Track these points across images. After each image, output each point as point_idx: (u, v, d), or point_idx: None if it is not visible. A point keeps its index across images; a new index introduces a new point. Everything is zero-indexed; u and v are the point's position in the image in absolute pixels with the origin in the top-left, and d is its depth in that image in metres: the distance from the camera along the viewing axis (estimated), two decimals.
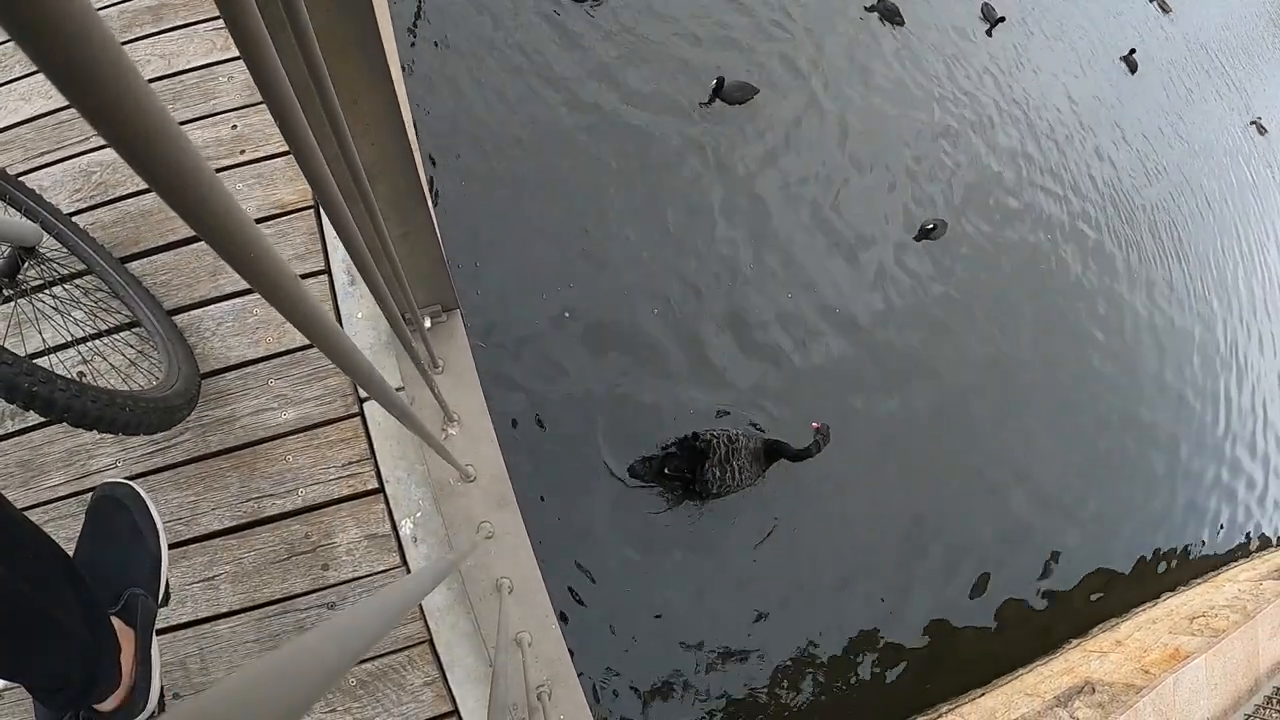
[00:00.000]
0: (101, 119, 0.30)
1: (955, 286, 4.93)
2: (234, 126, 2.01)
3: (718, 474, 3.31)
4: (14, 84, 2.31)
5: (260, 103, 1.26)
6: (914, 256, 4.92)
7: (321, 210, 1.29)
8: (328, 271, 1.85)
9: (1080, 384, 5.13)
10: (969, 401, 4.50)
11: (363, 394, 1.80)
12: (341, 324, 1.79)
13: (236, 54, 2.01)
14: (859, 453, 4.00)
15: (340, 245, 1.60)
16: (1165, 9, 10.63)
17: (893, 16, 6.10)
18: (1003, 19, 6.52)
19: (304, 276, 1.83)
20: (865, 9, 6.10)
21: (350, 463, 1.77)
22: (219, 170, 1.96)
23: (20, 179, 1.90)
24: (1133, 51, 8.74)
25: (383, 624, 0.81)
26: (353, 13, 1.20)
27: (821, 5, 5.98)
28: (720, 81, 4.86)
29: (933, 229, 4.92)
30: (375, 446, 1.75)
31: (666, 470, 3.42)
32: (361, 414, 1.78)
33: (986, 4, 6.72)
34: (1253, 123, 10.00)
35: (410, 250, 1.55)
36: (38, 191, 1.89)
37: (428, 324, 1.70)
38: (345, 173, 1.13)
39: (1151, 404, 5.38)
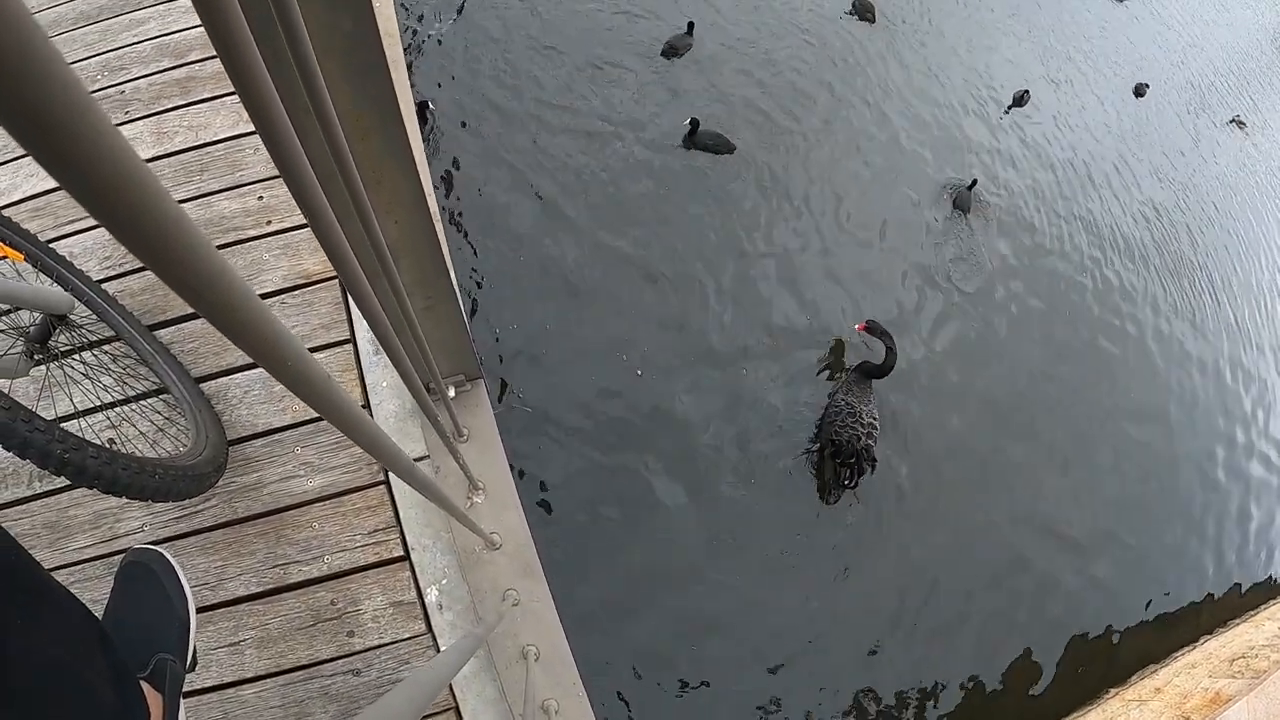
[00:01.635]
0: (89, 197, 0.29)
1: (981, 321, 5.00)
2: (260, 197, 2.08)
3: (861, 435, 3.93)
4: None
5: None
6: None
7: None
8: (352, 341, 1.90)
9: (1106, 419, 5.10)
10: (989, 441, 4.49)
11: None
12: (367, 393, 1.83)
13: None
14: (879, 501, 4.02)
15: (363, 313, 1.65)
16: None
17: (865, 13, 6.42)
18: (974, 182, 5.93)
19: (329, 346, 1.88)
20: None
21: (376, 530, 1.80)
22: (245, 240, 2.03)
23: (51, 245, 1.97)
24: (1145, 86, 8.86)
25: (414, 711, 0.83)
26: (374, 98, 1.25)
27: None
28: (694, 123, 5.12)
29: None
30: (401, 514, 1.78)
31: (839, 466, 3.94)
32: (387, 482, 1.81)
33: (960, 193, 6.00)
34: (1232, 120, 9.96)
35: (434, 322, 1.60)
36: (68, 258, 1.95)
37: (452, 393, 1.74)
38: (369, 249, 1.18)
39: (1182, 439, 5.33)
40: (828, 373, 4.53)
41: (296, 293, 1.93)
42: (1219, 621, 4.68)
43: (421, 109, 4.74)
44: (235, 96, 2.35)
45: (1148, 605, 4.42)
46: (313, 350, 1.88)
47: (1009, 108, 7.25)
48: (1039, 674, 3.89)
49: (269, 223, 2.05)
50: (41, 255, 1.87)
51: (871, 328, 4.39)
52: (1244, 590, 4.87)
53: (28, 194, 2.32)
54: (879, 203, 5.50)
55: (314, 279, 1.97)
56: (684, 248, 4.70)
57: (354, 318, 1.91)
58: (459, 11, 5.78)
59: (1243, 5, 13.85)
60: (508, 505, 1.73)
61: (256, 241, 2.02)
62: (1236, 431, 5.63)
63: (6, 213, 2.14)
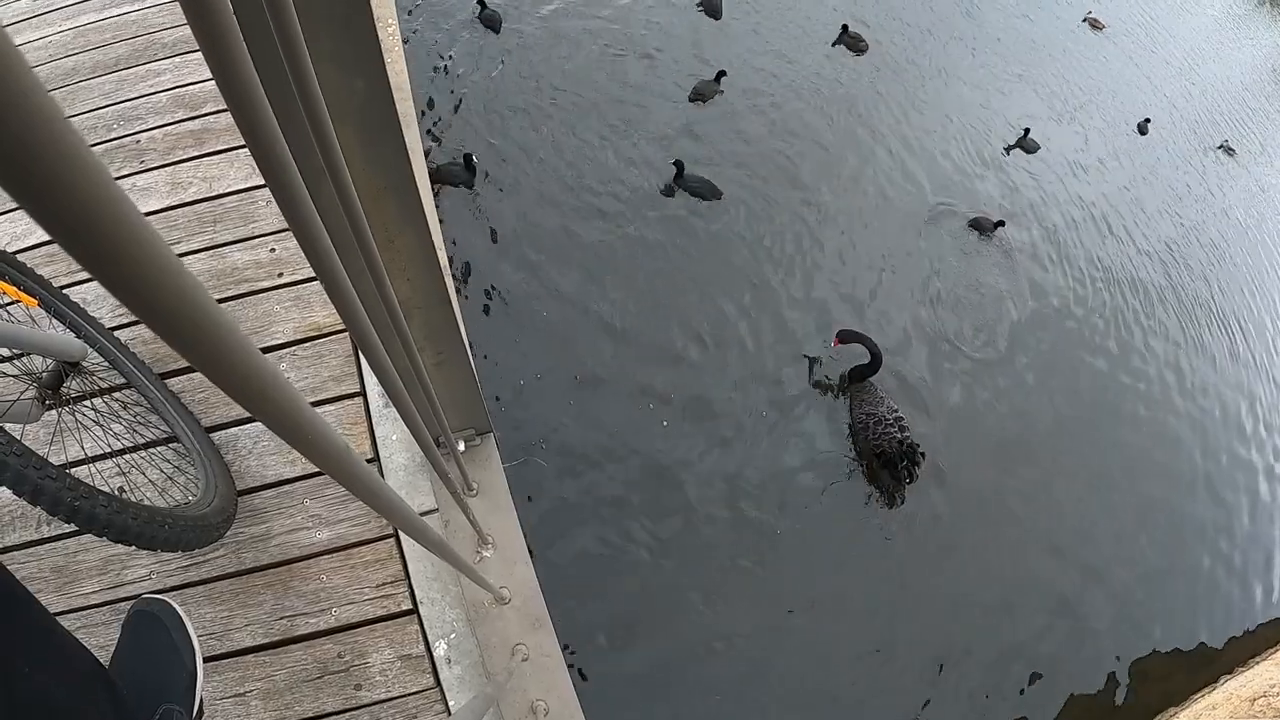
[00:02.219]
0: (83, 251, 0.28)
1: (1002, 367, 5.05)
2: (272, 250, 2.11)
3: (896, 435, 4.16)
4: None
5: None
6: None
7: None
8: (363, 394, 1.91)
9: (1116, 451, 5.09)
10: (1006, 479, 4.47)
11: None
12: (376, 446, 1.84)
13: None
14: (900, 544, 4.00)
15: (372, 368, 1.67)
16: (1097, 26, 10.78)
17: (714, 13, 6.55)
18: (1001, 223, 5.96)
19: (339, 399, 1.89)
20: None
21: (384, 583, 1.80)
22: (257, 292, 2.06)
23: (64, 291, 1.99)
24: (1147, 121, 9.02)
25: None
26: (387, 159, 1.27)
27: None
28: (680, 166, 5.29)
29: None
30: (410, 567, 1.79)
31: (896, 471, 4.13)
32: (396, 535, 1.82)
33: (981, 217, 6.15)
34: (1220, 145, 10.05)
35: (444, 377, 1.61)
36: (81, 305, 1.97)
37: (461, 447, 1.74)
38: (380, 305, 1.19)
39: (1202, 473, 5.29)
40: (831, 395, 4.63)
41: (307, 345, 1.96)
42: (1239, 660, 4.62)
43: (466, 161, 4.91)
44: (247, 150, 2.38)
45: (1168, 645, 4.37)
46: (322, 403, 1.89)
47: (1010, 148, 7.36)
48: (1055, 715, 3.83)
49: (280, 275, 2.07)
50: (55, 301, 1.89)
51: (844, 336, 4.55)
52: (1264, 627, 4.80)
53: (42, 239, 2.36)
54: (903, 246, 5.63)
55: (325, 332, 1.99)
56: (707, 296, 4.83)
57: (364, 371, 1.93)
58: (500, 63, 5.99)
59: (1240, 41, 13.97)
60: (517, 559, 1.73)
61: (268, 293, 2.04)
62: (1254, 456, 5.61)
63: (21, 257, 2.18)
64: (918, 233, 5.77)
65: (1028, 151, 7.42)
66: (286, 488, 1.91)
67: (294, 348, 1.96)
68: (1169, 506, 4.95)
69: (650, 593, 3.47)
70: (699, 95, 6.23)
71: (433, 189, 4.83)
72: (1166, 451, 5.30)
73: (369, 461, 1.82)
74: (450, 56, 5.95)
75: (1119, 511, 4.73)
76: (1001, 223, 5.82)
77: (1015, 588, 4.10)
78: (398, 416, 1.88)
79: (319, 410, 1.85)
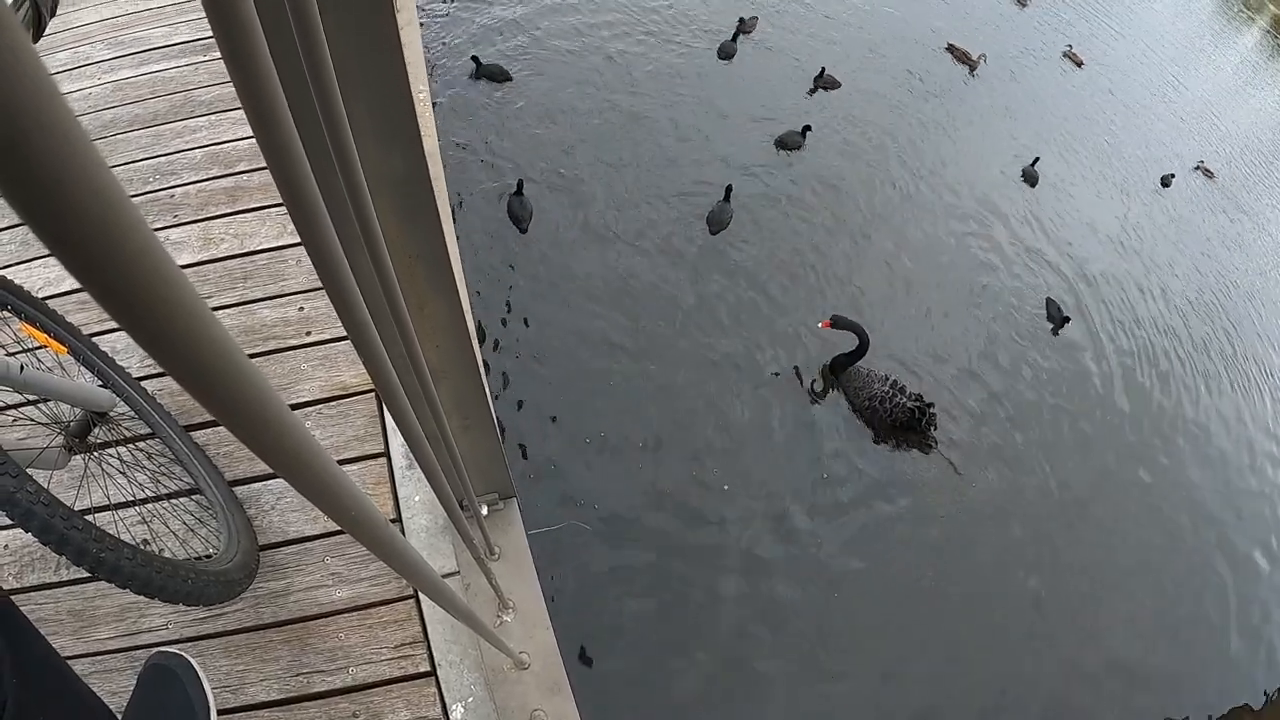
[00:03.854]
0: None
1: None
2: (301, 308, 2.15)
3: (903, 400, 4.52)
4: None
5: None
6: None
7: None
8: (387, 455, 1.93)
9: (1157, 513, 5.05)
10: (1029, 548, 4.43)
11: None
12: (399, 507, 1.86)
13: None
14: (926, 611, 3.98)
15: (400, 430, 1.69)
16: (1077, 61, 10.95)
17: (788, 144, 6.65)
18: (1068, 319, 5.99)
19: (363, 459, 1.92)
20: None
21: (403, 644, 1.80)
22: (284, 350, 2.09)
23: (94, 339, 2.03)
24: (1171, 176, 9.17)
25: None
26: (422, 229, 1.31)
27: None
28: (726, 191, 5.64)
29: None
30: (429, 629, 1.79)
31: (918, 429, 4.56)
32: (416, 596, 1.82)
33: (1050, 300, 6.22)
34: (1197, 166, 10.11)
35: (469, 442, 1.63)
36: (110, 354, 2.00)
37: (484, 511, 1.76)
38: (409, 369, 1.22)
39: (1234, 535, 5.22)
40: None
41: (333, 404, 1.99)
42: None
43: (519, 187, 5.19)
44: (280, 208, 2.45)
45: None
46: (346, 462, 1.91)
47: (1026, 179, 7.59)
48: None
49: (308, 334, 2.11)
50: (84, 349, 1.93)
51: (837, 321, 4.78)
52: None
53: (75, 286, 2.39)
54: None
55: (350, 391, 2.02)
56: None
57: (389, 431, 1.95)
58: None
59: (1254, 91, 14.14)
60: (538, 625, 1.73)
61: (295, 351, 2.08)
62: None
63: (51, 304, 2.22)
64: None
65: (1030, 183, 7.62)
66: (308, 545, 1.92)
67: (319, 406, 1.99)
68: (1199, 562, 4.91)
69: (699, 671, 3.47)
70: (784, 145, 6.62)
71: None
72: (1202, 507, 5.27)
73: (391, 523, 1.84)
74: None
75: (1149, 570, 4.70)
76: (1068, 319, 5.89)
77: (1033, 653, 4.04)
78: (421, 478, 1.91)
79: (343, 469, 1.87)
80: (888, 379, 4.68)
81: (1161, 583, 4.63)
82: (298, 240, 2.32)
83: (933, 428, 4.61)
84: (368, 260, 1.00)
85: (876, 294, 5.65)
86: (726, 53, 7.74)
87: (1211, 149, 10.82)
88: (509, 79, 6.55)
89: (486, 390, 1.52)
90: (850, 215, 6.27)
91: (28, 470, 1.32)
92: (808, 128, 6.66)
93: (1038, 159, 7.68)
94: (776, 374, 4.78)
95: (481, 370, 1.53)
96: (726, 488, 4.05)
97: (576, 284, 4.97)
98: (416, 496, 1.88)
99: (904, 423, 4.54)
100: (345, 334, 1.23)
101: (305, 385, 2.02)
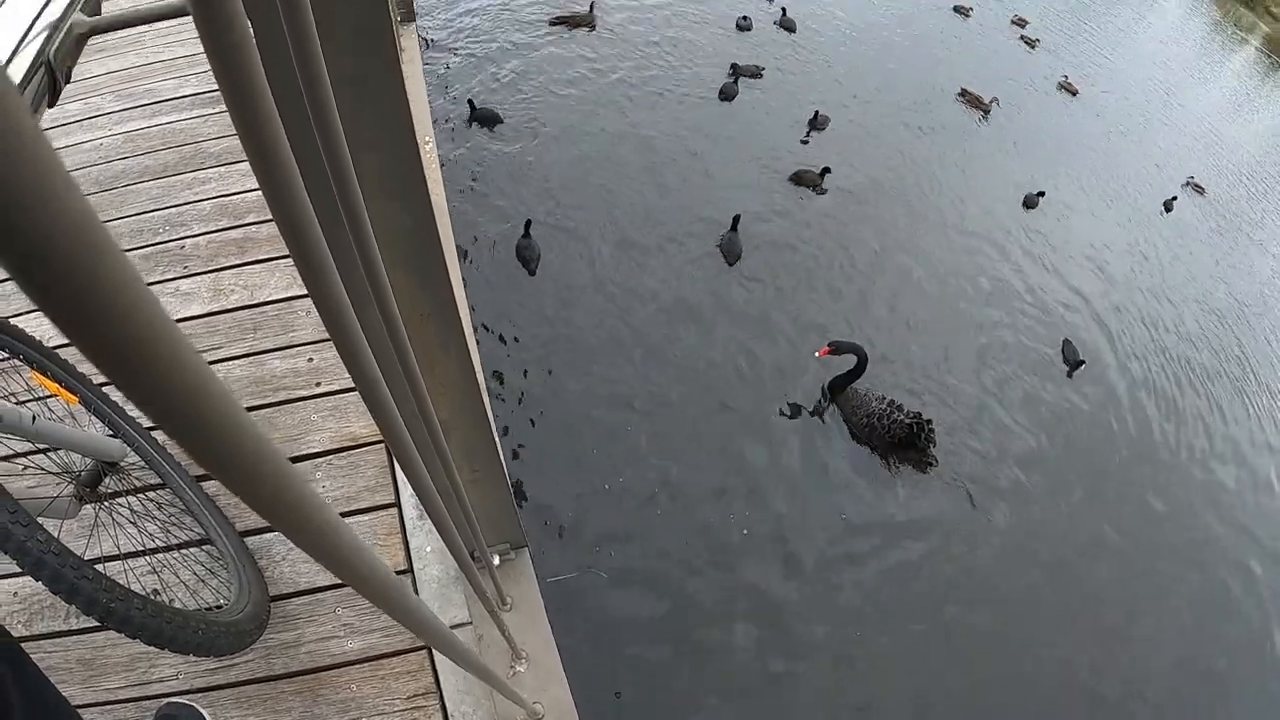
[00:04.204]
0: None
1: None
2: (310, 359, 2.17)
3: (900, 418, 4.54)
4: None
5: None
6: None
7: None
8: (397, 505, 1.94)
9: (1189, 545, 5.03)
10: (1050, 584, 4.41)
11: None
12: (410, 557, 1.87)
13: None
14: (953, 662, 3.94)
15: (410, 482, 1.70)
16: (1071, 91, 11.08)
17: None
18: (1083, 362, 5.97)
19: (373, 509, 1.93)
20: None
21: (415, 695, 1.80)
22: (294, 400, 2.11)
23: (104, 389, 2.04)
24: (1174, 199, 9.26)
25: None
26: (432, 288, 1.33)
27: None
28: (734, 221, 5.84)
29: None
30: (441, 680, 1.79)
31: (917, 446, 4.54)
32: (428, 647, 1.82)
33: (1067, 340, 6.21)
34: (1187, 182, 10.18)
35: (480, 493, 1.65)
36: (120, 404, 2.02)
37: (496, 561, 1.77)
38: (419, 423, 1.23)
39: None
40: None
41: (343, 455, 2.00)
42: None
43: (526, 229, 5.30)
44: (289, 259, 2.48)
45: None
46: (356, 513, 1.92)
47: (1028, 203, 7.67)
48: None
49: (318, 385, 2.13)
50: (95, 399, 1.94)
51: (837, 347, 4.81)
52: None
53: None
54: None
55: (360, 442, 2.03)
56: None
57: (399, 482, 1.97)
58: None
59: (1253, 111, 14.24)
60: (551, 676, 1.73)
61: (305, 402, 2.10)
62: None
63: (63, 354, 2.24)
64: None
65: (1028, 207, 7.76)
66: (319, 595, 1.93)
67: (329, 457, 2.00)
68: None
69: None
70: (800, 182, 6.75)
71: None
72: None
73: (402, 573, 1.85)
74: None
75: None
76: (1083, 362, 5.89)
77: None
78: (432, 529, 1.91)
79: (352, 520, 1.88)
80: (884, 398, 4.71)
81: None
82: (307, 291, 2.35)
83: (931, 444, 4.59)
84: (377, 315, 1.02)
85: (890, 328, 5.69)
86: (727, 94, 7.86)
87: (1211, 170, 10.90)
88: (500, 122, 6.69)
89: (497, 443, 1.54)
90: (862, 254, 6.33)
91: (38, 519, 1.33)
92: (826, 169, 6.77)
93: (1042, 193, 7.76)
94: (787, 414, 4.78)
95: (492, 424, 1.55)
96: (745, 531, 4.04)
97: (585, 326, 5.01)
98: (428, 547, 1.89)
99: (902, 439, 4.53)
100: (355, 385, 1.26)
101: (315, 436, 2.04)
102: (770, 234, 6.22)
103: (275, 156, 0.50)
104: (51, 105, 1.22)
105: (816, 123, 7.64)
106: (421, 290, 1.31)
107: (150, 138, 3.12)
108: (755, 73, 8.31)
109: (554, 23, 8.47)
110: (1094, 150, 9.70)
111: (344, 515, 1.92)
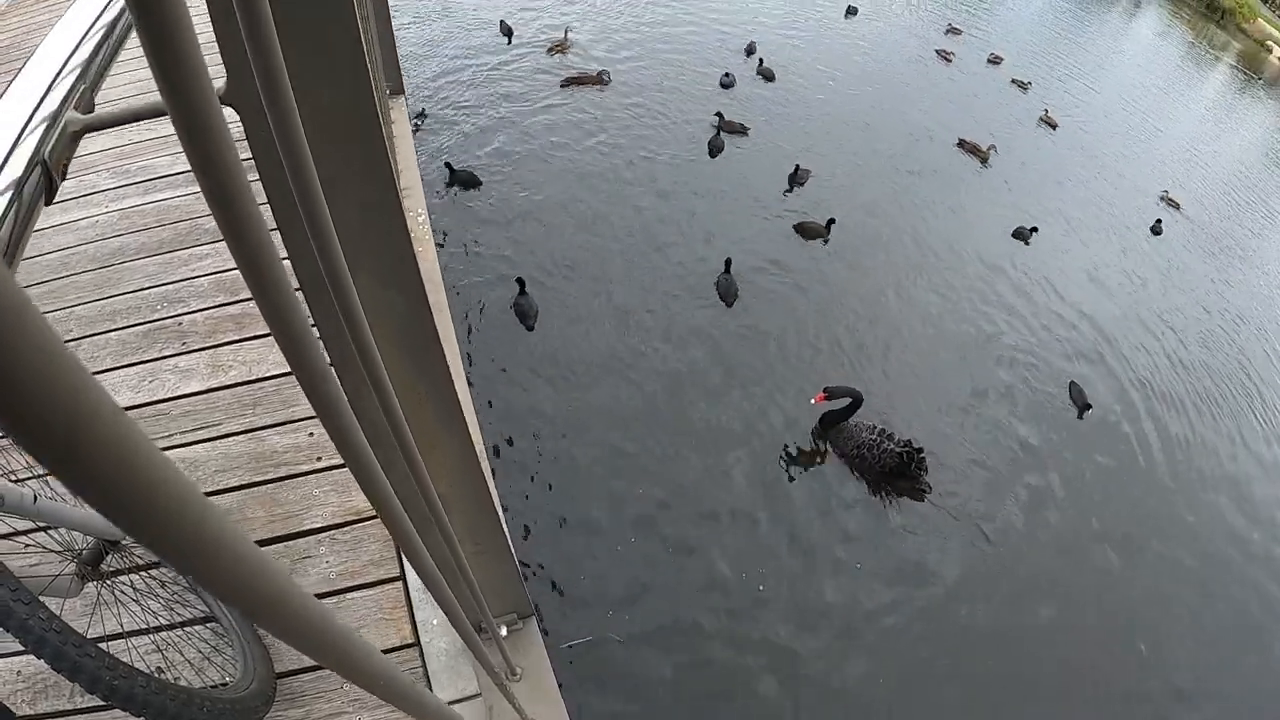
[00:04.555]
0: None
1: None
2: (311, 434, 2.19)
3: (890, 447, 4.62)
4: (105, 375, 2.54)
5: None
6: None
7: None
8: (403, 578, 1.95)
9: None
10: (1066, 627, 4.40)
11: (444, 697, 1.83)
12: (417, 630, 1.86)
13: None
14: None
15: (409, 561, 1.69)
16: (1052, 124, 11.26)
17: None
18: (1090, 406, 5.96)
19: (378, 583, 1.93)
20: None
21: None
22: (296, 476, 2.12)
23: None
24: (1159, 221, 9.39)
25: None
26: (427, 370, 1.35)
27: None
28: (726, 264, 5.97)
29: None
30: None
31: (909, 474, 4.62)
32: None
33: (1073, 383, 6.20)
34: (1162, 196, 10.31)
35: (484, 566, 1.65)
36: None
37: (504, 632, 1.76)
38: (421, 503, 1.24)
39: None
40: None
41: (346, 529, 2.01)
42: None
43: (522, 287, 5.39)
44: (287, 363, 2.49)
45: None
46: (361, 587, 1.92)
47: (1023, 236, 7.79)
48: None
49: (319, 459, 2.14)
50: None
51: (832, 393, 4.88)
52: None
53: None
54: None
55: (364, 515, 2.04)
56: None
57: (404, 555, 1.96)
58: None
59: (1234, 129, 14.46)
60: None
61: (307, 477, 2.11)
62: None
63: None
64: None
65: (1023, 240, 7.87)
66: (325, 671, 1.91)
67: (332, 532, 2.01)
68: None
69: None
70: (805, 233, 6.94)
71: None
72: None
73: (409, 646, 1.84)
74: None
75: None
76: (1090, 406, 5.92)
77: None
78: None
79: (357, 595, 1.88)
80: (874, 428, 4.77)
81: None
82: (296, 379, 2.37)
83: (923, 471, 4.65)
84: (373, 397, 1.04)
85: (888, 373, 5.76)
86: (715, 147, 8.06)
87: (1198, 189, 11.05)
88: (479, 184, 6.84)
89: (499, 515, 1.55)
90: (861, 301, 6.43)
91: (40, 597, 1.34)
92: (832, 220, 6.93)
93: (1035, 228, 7.90)
94: (790, 469, 4.79)
95: (494, 496, 1.56)
96: (761, 589, 4.03)
97: (588, 385, 5.06)
98: (434, 620, 1.88)
99: (893, 468, 4.59)
100: (347, 465, 1.27)
101: (318, 511, 2.04)
102: (769, 284, 6.32)
103: (258, 247, 0.52)
104: (48, 203, 1.25)
105: (797, 177, 7.77)
106: (418, 373, 1.33)
107: (146, 214, 3.16)
108: (741, 130, 8.50)
109: (565, 84, 8.75)
110: (1078, 180, 9.85)
111: (348, 590, 1.92)
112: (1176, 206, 10.08)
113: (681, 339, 5.54)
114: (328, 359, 0.66)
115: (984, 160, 9.32)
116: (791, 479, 4.71)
